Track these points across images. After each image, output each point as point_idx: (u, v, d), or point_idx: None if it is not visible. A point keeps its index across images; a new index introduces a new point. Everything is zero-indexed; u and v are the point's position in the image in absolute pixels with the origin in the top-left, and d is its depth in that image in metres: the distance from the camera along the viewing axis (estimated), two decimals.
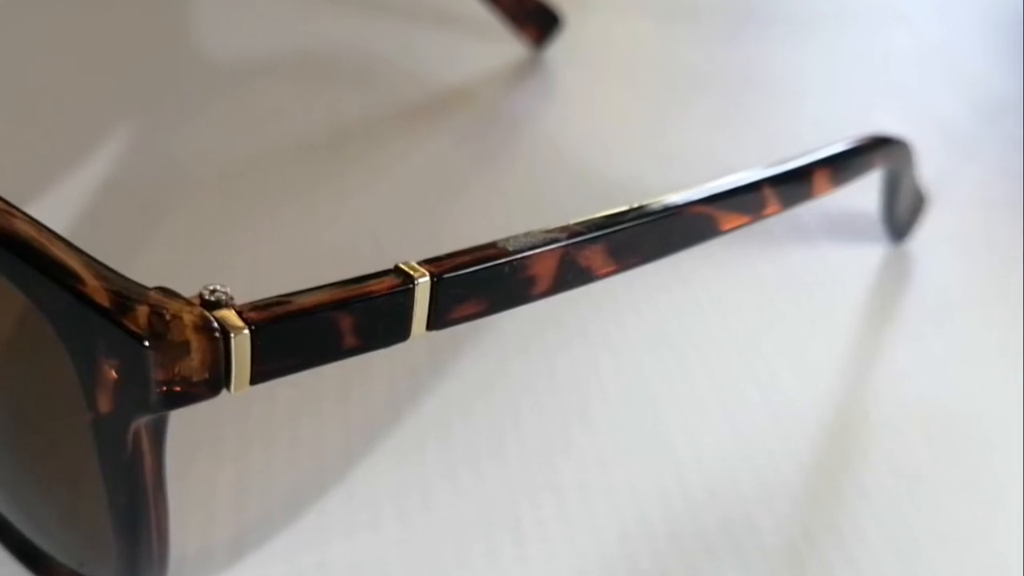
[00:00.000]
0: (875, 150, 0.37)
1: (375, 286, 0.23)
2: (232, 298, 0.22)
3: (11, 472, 0.25)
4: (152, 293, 0.21)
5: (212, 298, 0.22)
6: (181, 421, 0.24)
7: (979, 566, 0.29)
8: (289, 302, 0.22)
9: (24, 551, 0.26)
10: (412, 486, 0.30)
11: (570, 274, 0.26)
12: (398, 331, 0.23)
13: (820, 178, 0.33)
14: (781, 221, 0.41)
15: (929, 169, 0.44)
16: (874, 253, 0.41)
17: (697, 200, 0.29)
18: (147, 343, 0.21)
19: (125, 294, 0.21)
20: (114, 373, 0.21)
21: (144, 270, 0.24)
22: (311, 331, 0.22)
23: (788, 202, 0.32)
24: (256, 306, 0.22)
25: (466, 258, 0.24)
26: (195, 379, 0.21)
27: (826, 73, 0.55)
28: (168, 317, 0.21)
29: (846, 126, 0.44)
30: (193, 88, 0.49)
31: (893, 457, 0.32)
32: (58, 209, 0.39)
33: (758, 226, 0.32)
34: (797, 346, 0.36)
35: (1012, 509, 0.31)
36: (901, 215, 0.41)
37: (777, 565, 0.29)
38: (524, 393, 0.33)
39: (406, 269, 0.23)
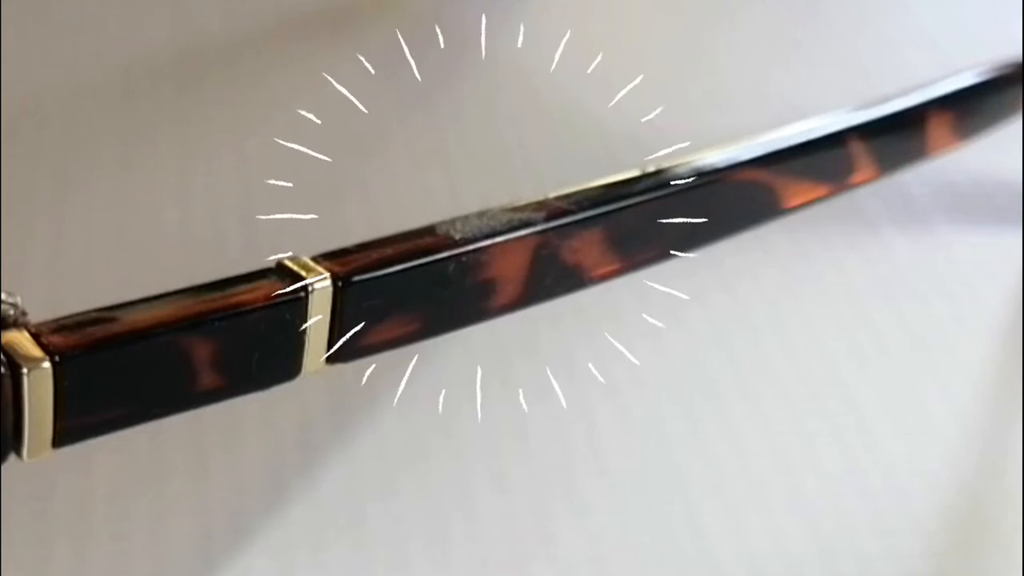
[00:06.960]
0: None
1: (247, 294, 0.23)
2: (25, 313, 0.22)
3: None
4: None
5: None
6: None
7: None
8: (113, 319, 0.22)
9: None
10: None
11: (549, 276, 0.26)
12: (283, 364, 0.23)
13: (937, 127, 0.34)
14: (877, 193, 0.41)
15: None
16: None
17: (748, 161, 0.29)
18: None
19: None
20: None
21: None
22: (148, 365, 0.22)
23: (887, 164, 0.32)
24: (63, 326, 0.22)
25: (388, 251, 0.24)
26: None
27: None
28: None
29: (977, 46, 0.44)
30: None
31: None
32: None
33: (843, 201, 0.32)
34: (905, 391, 0.36)
35: None
36: None
37: None
38: (479, 462, 0.33)
39: (295, 268, 0.23)
